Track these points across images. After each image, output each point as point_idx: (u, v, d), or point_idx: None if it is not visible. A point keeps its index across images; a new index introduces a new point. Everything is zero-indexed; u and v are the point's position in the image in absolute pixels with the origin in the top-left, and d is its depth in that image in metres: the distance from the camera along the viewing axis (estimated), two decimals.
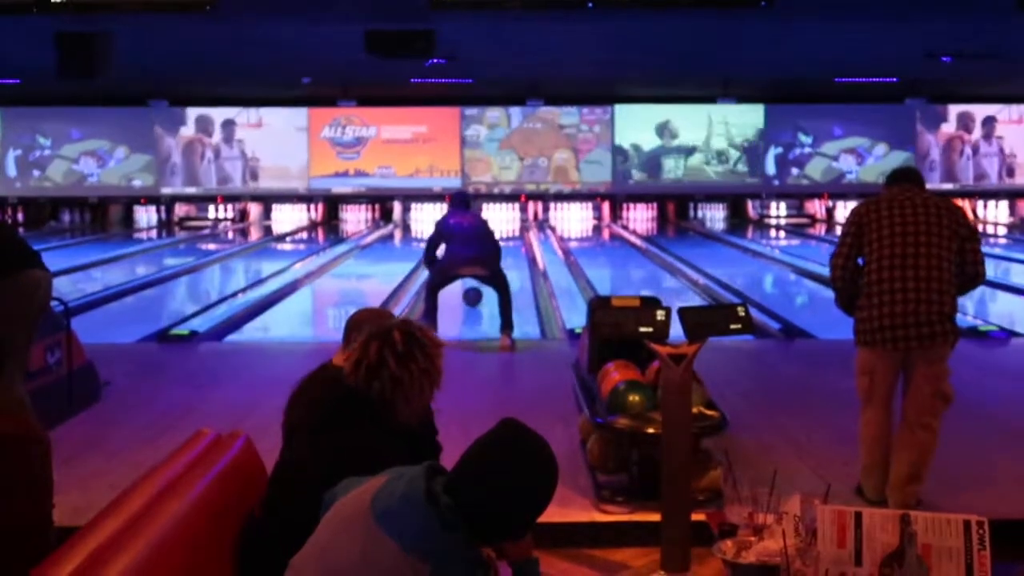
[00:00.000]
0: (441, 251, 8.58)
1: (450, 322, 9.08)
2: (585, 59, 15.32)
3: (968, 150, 22.89)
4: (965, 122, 22.83)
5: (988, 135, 22.91)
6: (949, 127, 22.83)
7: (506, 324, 8.46)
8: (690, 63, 16.09)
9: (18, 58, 14.79)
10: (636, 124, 22.64)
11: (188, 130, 22.71)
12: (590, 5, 6.47)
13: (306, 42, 13.38)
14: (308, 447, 2.94)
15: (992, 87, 20.80)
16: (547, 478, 2.37)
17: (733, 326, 4.12)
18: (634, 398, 4.75)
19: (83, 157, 22.73)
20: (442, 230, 8.59)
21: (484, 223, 8.80)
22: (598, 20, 8.81)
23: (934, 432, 4.52)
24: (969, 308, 10.74)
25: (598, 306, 5.70)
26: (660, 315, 4.11)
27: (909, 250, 4.38)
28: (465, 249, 8.42)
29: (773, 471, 3.28)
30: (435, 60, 13.38)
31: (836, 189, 22.89)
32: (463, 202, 8.92)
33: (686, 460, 4.09)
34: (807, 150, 22.72)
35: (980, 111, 22.72)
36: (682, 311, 4.09)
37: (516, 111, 22.41)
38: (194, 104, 22.16)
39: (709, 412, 4.70)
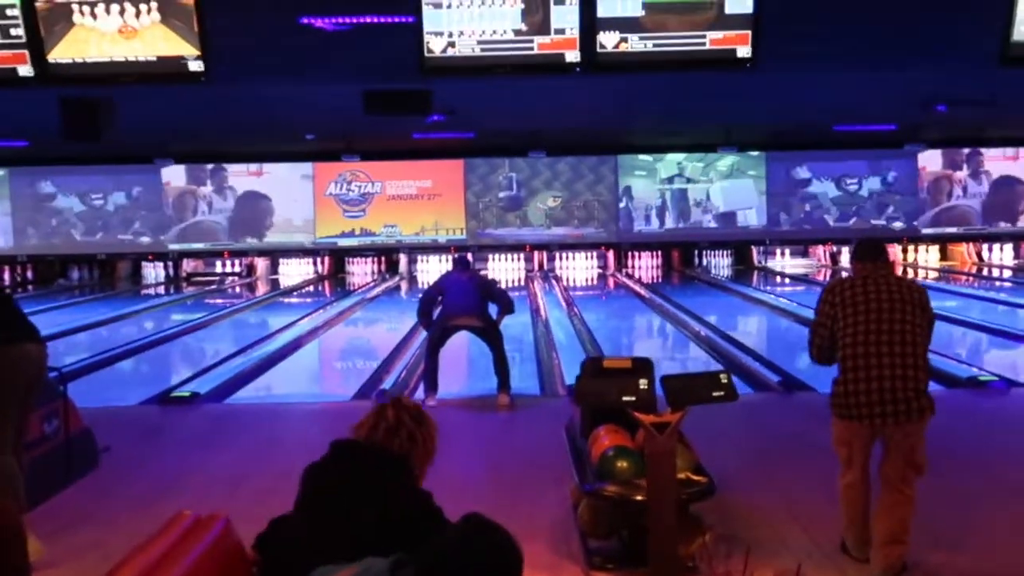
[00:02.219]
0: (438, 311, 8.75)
1: (450, 379, 9.10)
2: (585, 112, 15.46)
3: (957, 190, 22.88)
4: (952, 158, 22.84)
5: (975, 173, 22.90)
6: (935, 166, 22.89)
7: (503, 383, 8.55)
8: (690, 115, 16.23)
9: (25, 120, 15.02)
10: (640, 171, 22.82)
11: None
12: (577, 71, 6.57)
13: (305, 101, 13.54)
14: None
15: (994, 131, 20.92)
16: None
17: (715, 394, 4.16)
18: (623, 464, 4.76)
19: (94, 213, 22.93)
20: (440, 283, 8.85)
21: (482, 279, 9.03)
22: (593, 77, 8.84)
23: (909, 498, 4.57)
24: (968, 356, 10.76)
25: (587, 369, 5.72)
26: (643, 384, 4.14)
27: (884, 327, 4.48)
28: (460, 299, 8.59)
29: (747, 548, 3.32)
30: (434, 117, 13.54)
31: (840, 235, 22.94)
32: (463, 264, 9.11)
33: (672, 527, 4.11)
34: (810, 193, 22.80)
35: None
36: (664, 379, 4.13)
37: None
38: (199, 161, 22.36)
39: (696, 478, 4.70)
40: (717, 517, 5.14)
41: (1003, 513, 5.54)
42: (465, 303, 8.57)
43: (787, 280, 22.07)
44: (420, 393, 8.69)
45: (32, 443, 5.78)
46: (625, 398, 4.08)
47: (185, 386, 9.74)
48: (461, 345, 9.89)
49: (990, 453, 6.80)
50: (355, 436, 3.27)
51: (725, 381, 4.15)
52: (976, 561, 4.85)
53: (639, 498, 4.51)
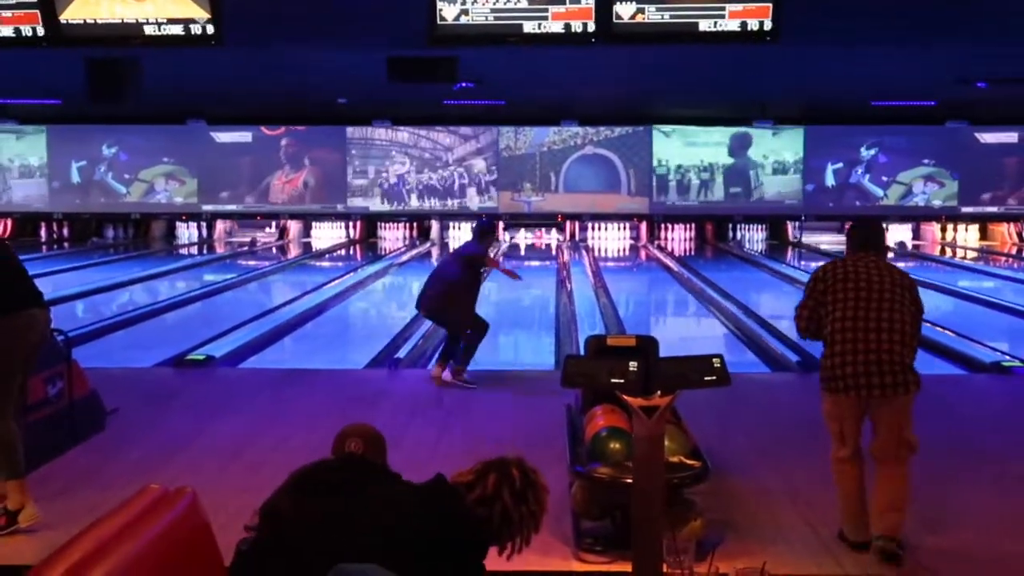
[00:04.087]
0: None
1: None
2: (612, 83, 15.27)
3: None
4: None
5: None
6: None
7: (442, 356, 8.39)
8: (721, 87, 15.98)
9: (55, 80, 15.09)
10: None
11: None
12: (593, 41, 6.44)
13: (334, 65, 13.48)
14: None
15: None
16: None
17: (707, 378, 4.05)
18: (615, 446, 4.69)
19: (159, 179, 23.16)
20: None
21: (449, 259, 8.68)
22: (615, 48, 8.67)
23: (904, 475, 4.61)
24: (996, 340, 10.55)
25: (591, 347, 5.65)
26: (632, 367, 4.04)
27: (872, 304, 4.56)
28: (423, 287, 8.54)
29: (715, 546, 3.25)
30: (463, 84, 13.43)
31: (878, 213, 22.62)
32: (475, 232, 8.74)
33: (657, 513, 4.02)
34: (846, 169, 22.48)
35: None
36: (655, 362, 4.03)
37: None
38: (230, 123, 22.41)
39: (690, 462, 4.62)
40: (715, 501, 5.07)
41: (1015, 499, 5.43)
42: (422, 292, 8.51)
43: (821, 257, 21.80)
44: (432, 363, 8.66)
45: (34, 405, 5.81)
46: (614, 380, 3.98)
47: (204, 348, 9.77)
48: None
49: (1014, 441, 6.66)
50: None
51: (718, 365, 4.03)
52: (987, 546, 4.76)
53: (630, 481, 4.43)
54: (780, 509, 5.26)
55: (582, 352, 7.24)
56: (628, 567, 4.37)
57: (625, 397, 4.03)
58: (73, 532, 4.78)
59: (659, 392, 4.06)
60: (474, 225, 8.98)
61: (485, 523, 2.86)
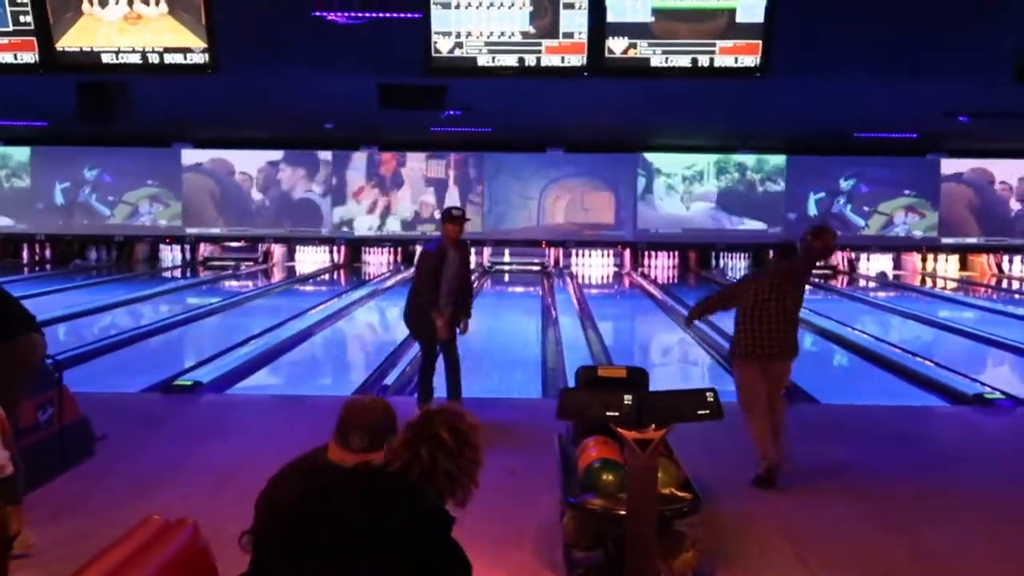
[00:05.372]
0: None
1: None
2: (601, 112, 15.40)
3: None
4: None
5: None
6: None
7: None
8: (705, 119, 16.15)
9: (43, 103, 15.10)
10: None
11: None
12: (585, 75, 6.53)
13: (322, 91, 13.55)
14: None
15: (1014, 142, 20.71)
16: None
17: (701, 412, 4.12)
18: (608, 477, 4.72)
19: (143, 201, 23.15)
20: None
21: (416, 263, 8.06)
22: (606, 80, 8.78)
23: (783, 412, 6.49)
24: (977, 372, 10.65)
25: (581, 378, 5.70)
26: (627, 400, 4.10)
27: (772, 299, 6.25)
28: None
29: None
30: (451, 112, 13.53)
31: (859, 243, 22.88)
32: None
33: (651, 545, 4.07)
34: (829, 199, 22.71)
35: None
36: (648, 396, 4.09)
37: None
38: (217, 146, 22.46)
39: (681, 494, 4.66)
40: (706, 532, 5.11)
41: (1003, 540, 5.46)
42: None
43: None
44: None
45: (25, 431, 5.80)
46: (608, 413, 4.04)
47: (191, 374, 9.76)
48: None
49: (989, 474, 6.73)
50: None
51: (711, 399, 4.10)
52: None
53: (623, 512, 4.47)
54: (768, 539, 5.31)
55: (571, 382, 7.26)
56: None
57: (619, 430, 4.09)
58: (64, 559, 4.82)
59: (653, 425, 4.12)
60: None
61: (436, 495, 2.87)
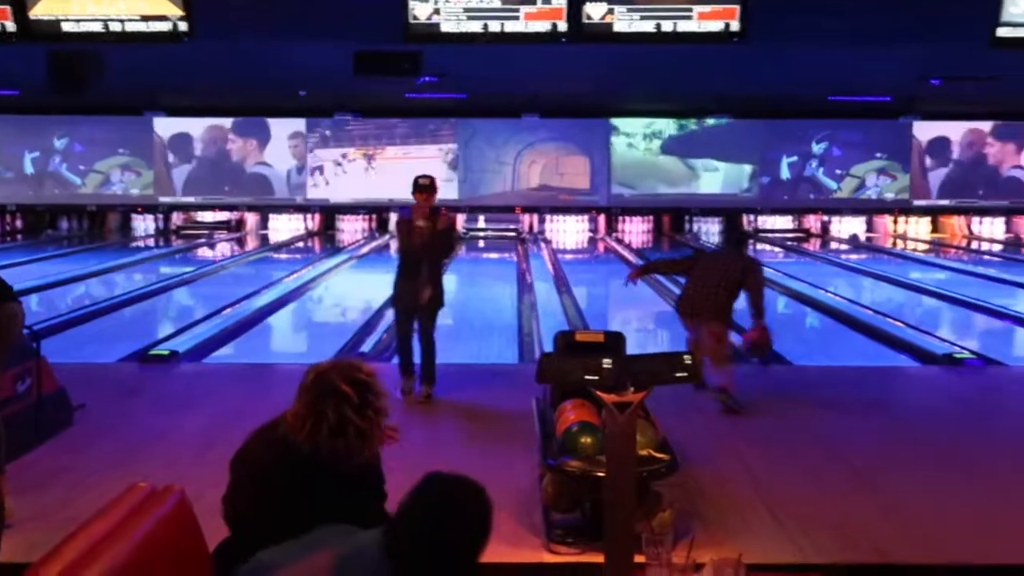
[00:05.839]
0: None
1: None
2: (576, 78, 15.37)
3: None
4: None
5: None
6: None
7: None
8: (681, 83, 16.16)
9: (14, 71, 14.91)
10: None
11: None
12: (563, 41, 6.53)
13: (297, 59, 13.46)
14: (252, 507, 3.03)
15: (986, 104, 20.82)
16: (476, 529, 2.46)
17: (678, 375, 4.17)
18: (586, 440, 4.78)
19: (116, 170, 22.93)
20: None
21: None
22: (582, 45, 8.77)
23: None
24: (948, 333, 10.80)
25: (559, 343, 5.75)
26: (606, 363, 4.14)
27: (711, 274, 7.37)
28: None
29: (691, 537, 3.36)
30: (426, 78, 13.47)
31: (832, 206, 23.03)
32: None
33: (629, 506, 4.13)
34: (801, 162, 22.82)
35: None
36: (627, 359, 4.13)
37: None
38: (190, 114, 22.26)
39: (659, 455, 4.73)
40: (681, 493, 5.18)
41: (970, 498, 5.57)
42: None
43: (778, 249, 22.08)
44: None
45: (3, 402, 5.79)
46: (588, 376, 4.08)
47: (167, 343, 9.76)
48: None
49: (958, 433, 6.84)
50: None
51: (688, 362, 4.15)
52: (937, 532, 4.91)
53: (601, 474, 4.53)
54: (745, 501, 5.39)
55: (547, 346, 7.32)
56: (599, 558, 4.47)
57: (598, 393, 4.13)
58: (46, 528, 4.85)
59: (632, 388, 4.16)
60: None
61: (356, 453, 2.91)
